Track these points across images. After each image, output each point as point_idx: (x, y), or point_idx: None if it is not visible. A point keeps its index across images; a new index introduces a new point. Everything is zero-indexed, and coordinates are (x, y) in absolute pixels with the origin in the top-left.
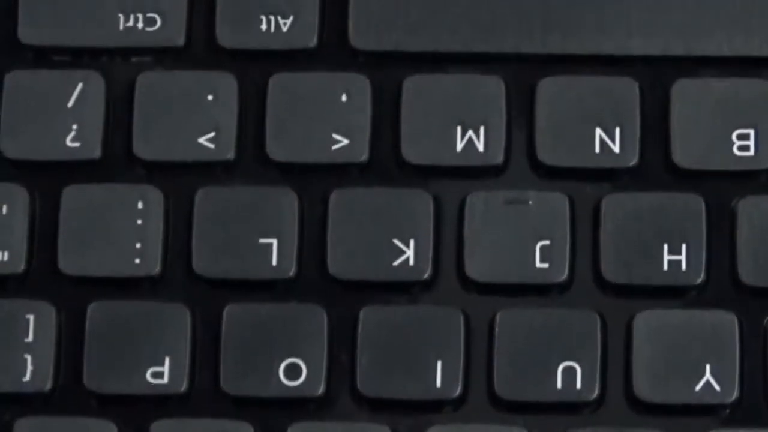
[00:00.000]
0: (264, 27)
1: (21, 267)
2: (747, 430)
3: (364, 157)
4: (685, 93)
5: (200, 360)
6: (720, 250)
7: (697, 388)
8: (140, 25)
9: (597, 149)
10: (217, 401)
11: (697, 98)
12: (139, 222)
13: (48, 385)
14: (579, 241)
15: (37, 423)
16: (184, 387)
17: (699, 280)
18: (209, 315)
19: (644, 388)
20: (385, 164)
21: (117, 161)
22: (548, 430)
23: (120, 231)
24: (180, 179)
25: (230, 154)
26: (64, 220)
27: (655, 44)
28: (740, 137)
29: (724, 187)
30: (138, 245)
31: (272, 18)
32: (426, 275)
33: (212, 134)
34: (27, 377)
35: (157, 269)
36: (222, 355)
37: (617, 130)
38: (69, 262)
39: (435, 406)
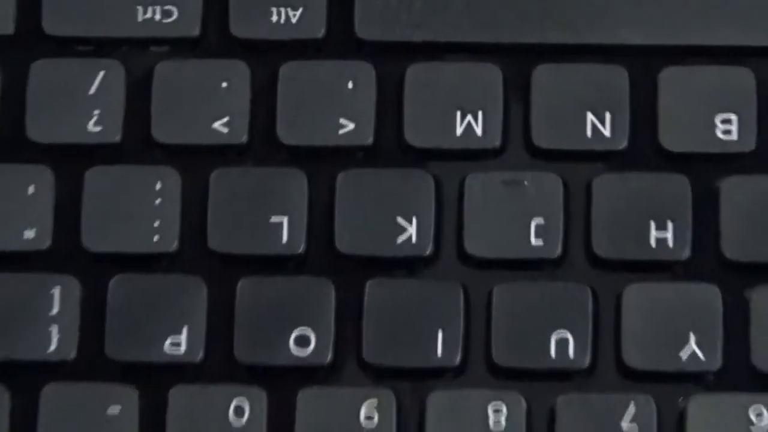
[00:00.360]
0: (274, 18)
1: (47, 244)
2: (729, 395)
3: (369, 140)
4: (672, 80)
5: (215, 330)
6: (704, 228)
7: (683, 356)
8: (158, 16)
9: (589, 133)
10: (231, 369)
11: (683, 85)
12: (158, 202)
13: (72, 354)
14: (572, 220)
15: (62, 389)
16: (200, 356)
17: (684, 256)
18: (223, 289)
19: (633, 356)
20: (389, 147)
21: (136, 145)
22: (542, 397)
23: (139, 210)
24: (196, 161)
25: (243, 138)
26: (87, 200)
27: (643, 34)
28: (723, 122)
29: (708, 168)
30: (156, 223)
31: (282, 10)
32: (427, 251)
33: (226, 119)
34: (53, 347)
35: (174, 246)
36: (236, 326)
37: (608, 116)
38: (92, 239)
39: (436, 374)
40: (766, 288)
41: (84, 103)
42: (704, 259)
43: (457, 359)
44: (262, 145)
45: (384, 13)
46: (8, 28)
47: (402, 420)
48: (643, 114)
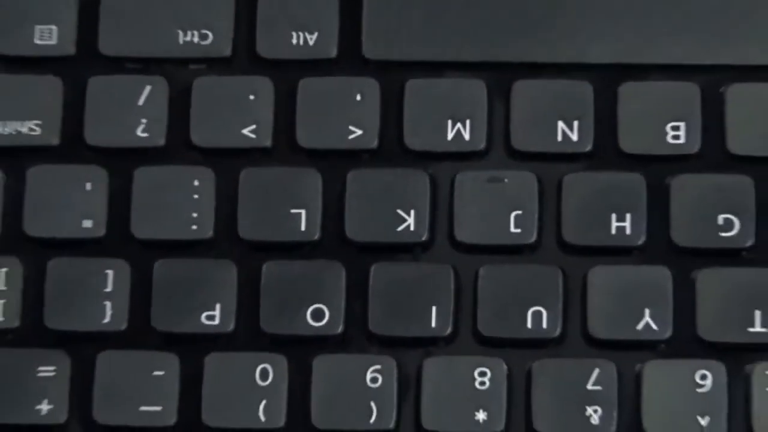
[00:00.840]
0: (294, 41)
1: (102, 232)
2: (678, 361)
3: (374, 144)
4: (629, 93)
5: (244, 306)
6: (657, 218)
7: (639, 327)
8: (196, 39)
9: (559, 138)
10: (257, 338)
11: (639, 97)
12: (195, 196)
13: (123, 326)
14: (545, 211)
15: (115, 355)
16: (231, 327)
17: (640, 242)
18: (251, 270)
19: (597, 327)
20: (391, 150)
21: (177, 148)
22: (520, 362)
23: (180, 203)
24: (227, 162)
25: (267, 142)
26: (135, 195)
27: (606, 54)
28: (673, 128)
29: (660, 167)
30: (194, 215)
31: (301, 34)
32: (423, 238)
33: (253, 126)
34: (107, 319)
35: (209, 234)
36: (261, 301)
37: (575, 123)
38: (139, 228)
39: (430, 342)
40: (710, 270)
41: (133, 113)
42: (657, 245)
43: (448, 330)
44: (284, 148)
45: (386, 36)
46: (71, 49)
47: (402, 382)
48: (605, 121)
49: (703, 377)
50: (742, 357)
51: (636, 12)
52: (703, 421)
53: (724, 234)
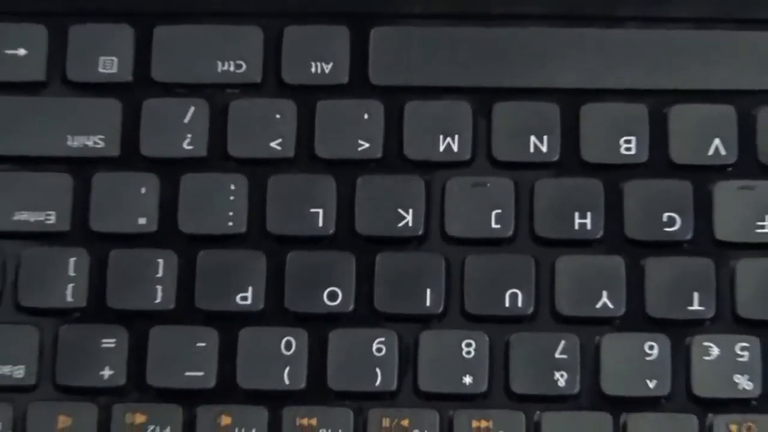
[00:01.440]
0: (313, 70)
1: (154, 228)
2: (630, 334)
3: (379, 155)
4: (589, 113)
5: (271, 288)
6: (613, 216)
7: (598, 306)
8: (231, 68)
9: (532, 150)
10: (282, 316)
11: (598, 116)
12: (231, 198)
13: (171, 306)
14: (520, 210)
15: (164, 330)
16: (260, 306)
17: (598, 236)
18: (277, 259)
19: (563, 306)
20: (393, 160)
21: (216, 158)
22: (500, 335)
23: (218, 204)
24: (258, 170)
25: (291, 153)
26: (182, 197)
27: (570, 80)
28: (626, 142)
29: (615, 174)
30: (230, 213)
31: (319, 63)
32: (420, 232)
33: (279, 140)
34: (158, 300)
35: (243, 229)
36: (286, 285)
37: (545, 138)
38: (185, 225)
39: (425, 319)
40: (656, 258)
41: (180, 129)
42: (612, 238)
43: (440, 308)
44: (304, 158)
45: (389, 66)
46: (128, 77)
47: (402, 351)
48: (569, 136)
49: (651, 347)
50: (682, 331)
51: (595, 47)
52: (651, 384)
53: (667, 229)
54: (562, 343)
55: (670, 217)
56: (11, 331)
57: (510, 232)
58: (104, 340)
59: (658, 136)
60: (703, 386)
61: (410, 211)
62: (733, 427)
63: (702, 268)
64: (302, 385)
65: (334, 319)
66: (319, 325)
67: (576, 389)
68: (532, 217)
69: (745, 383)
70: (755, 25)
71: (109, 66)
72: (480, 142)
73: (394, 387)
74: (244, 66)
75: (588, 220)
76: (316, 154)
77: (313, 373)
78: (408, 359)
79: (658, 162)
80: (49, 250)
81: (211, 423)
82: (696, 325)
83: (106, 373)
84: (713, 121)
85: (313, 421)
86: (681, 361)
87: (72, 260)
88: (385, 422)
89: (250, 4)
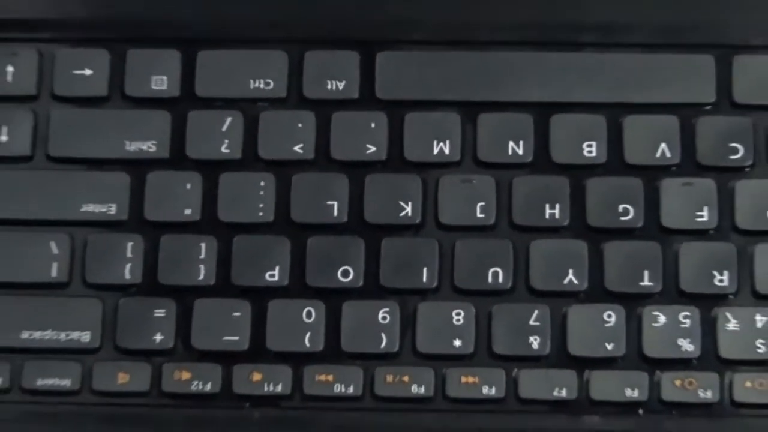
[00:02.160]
0: (329, 86)
1: (198, 217)
2: (591, 305)
3: (383, 157)
4: (558, 123)
5: (295, 267)
6: (578, 207)
7: (565, 282)
8: (261, 85)
9: (510, 152)
10: (304, 290)
11: (564, 124)
12: (261, 193)
13: (212, 282)
14: (501, 203)
15: (206, 303)
16: (286, 282)
17: (565, 223)
18: (299, 243)
19: (537, 282)
20: (396, 161)
21: (249, 159)
22: (484, 306)
23: (250, 198)
24: (283, 169)
25: (311, 156)
26: (221, 192)
27: (542, 95)
28: (588, 146)
29: (580, 173)
30: (261, 205)
31: (333, 81)
32: (417, 221)
33: (301, 145)
34: (201, 277)
35: (271, 218)
36: (306, 264)
37: (521, 143)
38: (224, 215)
39: (422, 293)
40: (613, 242)
41: (219, 136)
42: (577, 226)
43: (435, 284)
44: (322, 159)
45: (393, 83)
46: (176, 92)
47: (403, 319)
48: (541, 141)
49: (609, 316)
50: (635, 302)
51: (563, 67)
52: (609, 346)
53: (623, 218)
54: (536, 312)
55: (624, 208)
56: (79, 302)
57: (492, 221)
58: (156, 311)
59: (614, 141)
60: (652, 348)
61: (409, 203)
62: (677, 382)
63: (651, 250)
64: (320, 347)
65: (347, 292)
66: (334, 298)
67: (547, 350)
68: (510, 209)
69: (687, 345)
70: (694, 49)
71: (160, 84)
72: (467, 146)
73: (396, 349)
74: (272, 84)
75: (557, 211)
76: (332, 157)
77: (329, 337)
78: (408, 326)
79: (615, 162)
80: (111, 235)
81: (244, 379)
82: (646, 297)
83: (158, 337)
84: (660, 129)
85: (330, 378)
86: (634, 327)
87: (129, 244)
88: (389, 378)
89: (277, 32)
